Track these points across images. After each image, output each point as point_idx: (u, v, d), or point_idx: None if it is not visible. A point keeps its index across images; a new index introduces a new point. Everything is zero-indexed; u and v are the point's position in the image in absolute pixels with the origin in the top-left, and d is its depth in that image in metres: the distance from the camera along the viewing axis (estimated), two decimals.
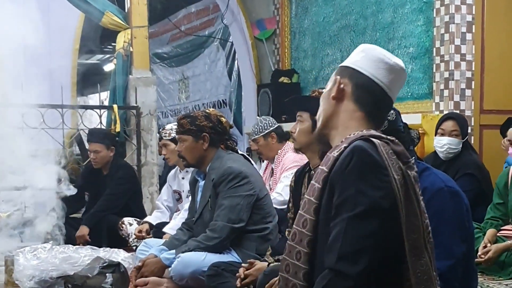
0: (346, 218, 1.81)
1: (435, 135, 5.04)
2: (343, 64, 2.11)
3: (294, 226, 2.00)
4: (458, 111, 5.88)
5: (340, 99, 2.05)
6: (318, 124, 2.13)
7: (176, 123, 5.41)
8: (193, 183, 4.31)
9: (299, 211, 2.00)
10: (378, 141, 1.90)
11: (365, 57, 2.05)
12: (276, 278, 3.03)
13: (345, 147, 1.90)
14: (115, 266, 3.13)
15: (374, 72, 2.02)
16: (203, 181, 4.14)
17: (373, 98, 2.03)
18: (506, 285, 4.17)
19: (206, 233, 3.92)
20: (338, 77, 2.06)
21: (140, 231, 5.37)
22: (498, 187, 4.69)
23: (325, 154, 3.20)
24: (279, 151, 5.54)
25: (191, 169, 5.23)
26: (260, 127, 5.58)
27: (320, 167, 1.98)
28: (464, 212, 2.47)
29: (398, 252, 1.85)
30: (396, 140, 1.96)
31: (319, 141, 2.20)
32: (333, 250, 1.81)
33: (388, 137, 1.95)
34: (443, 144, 4.92)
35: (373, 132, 1.96)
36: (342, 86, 2.04)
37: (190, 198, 4.99)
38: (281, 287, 1.98)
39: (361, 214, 1.80)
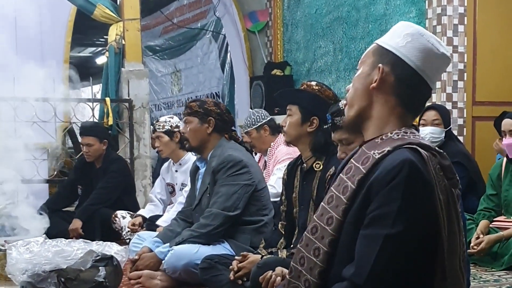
0: (383, 236, 1.70)
1: (418, 126, 5.05)
2: (384, 45, 1.92)
3: (315, 218, 1.90)
4: (450, 103, 5.90)
5: (379, 89, 1.89)
6: (350, 112, 1.96)
7: (169, 116, 5.47)
8: (194, 171, 4.33)
9: (322, 204, 1.90)
10: (426, 153, 1.79)
11: (411, 45, 1.87)
12: (269, 271, 3.05)
13: (389, 151, 1.79)
14: (108, 260, 3.12)
15: (420, 64, 1.86)
16: (204, 168, 4.16)
17: (415, 92, 1.89)
18: (499, 276, 4.19)
19: (200, 221, 3.94)
20: (381, 65, 1.87)
21: (133, 224, 5.38)
22: (491, 178, 4.71)
23: (315, 147, 3.24)
24: (272, 144, 5.54)
25: (185, 161, 5.27)
26: (253, 120, 5.58)
27: (354, 162, 1.87)
28: None
29: (431, 273, 1.77)
30: (444, 153, 1.87)
31: (350, 129, 2.10)
32: (363, 265, 1.72)
33: (436, 148, 1.85)
34: (425, 133, 4.92)
35: (420, 140, 1.85)
36: (384, 75, 1.87)
37: (183, 191, 5.01)
38: (293, 278, 1.91)
39: (400, 234, 1.70)
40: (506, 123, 4.55)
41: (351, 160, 1.91)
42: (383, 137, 1.87)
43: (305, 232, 1.93)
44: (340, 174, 1.91)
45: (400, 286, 1.73)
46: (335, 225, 1.83)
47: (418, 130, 2.14)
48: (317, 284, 1.86)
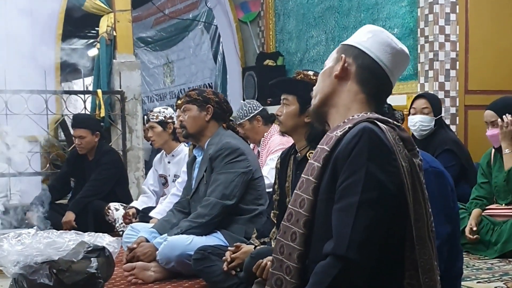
0: (356, 203, 1.76)
1: (408, 115, 5.07)
2: (348, 42, 2.06)
3: (290, 206, 1.96)
4: (443, 92, 5.91)
5: (343, 78, 2.00)
6: (315, 101, 2.08)
7: (164, 107, 5.46)
8: (191, 162, 4.34)
9: (295, 191, 1.96)
10: (385, 126, 1.86)
11: (372, 39, 2.01)
12: (262, 260, 3.05)
13: (350, 128, 1.86)
14: (100, 251, 3.11)
15: (380, 55, 1.99)
16: (201, 157, 4.16)
17: (376, 81, 1.99)
18: (492, 264, 4.20)
19: (197, 210, 3.94)
20: (343, 55, 2.01)
21: (127, 214, 5.37)
22: (481, 167, 4.72)
23: (311, 137, 3.23)
24: (265, 134, 5.53)
25: (177, 153, 5.26)
26: (245, 111, 5.56)
27: (319, 146, 1.94)
28: (449, 193, 2.47)
29: (401, 241, 1.83)
30: (402, 126, 1.93)
31: (314, 118, 2.16)
32: (342, 236, 1.76)
33: (395, 122, 1.92)
34: (415, 122, 4.94)
35: (379, 116, 1.93)
36: (346, 65, 2.00)
37: (175, 182, 5.00)
38: (275, 269, 1.94)
39: (372, 200, 1.76)
40: (487, 115, 4.59)
41: (318, 145, 1.97)
42: (345, 120, 1.95)
43: (282, 222, 1.97)
44: (309, 160, 1.98)
45: (379, 253, 1.78)
46: (307, 206, 1.89)
47: (395, 117, 2.20)
48: (297, 269, 1.89)
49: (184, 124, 4.14)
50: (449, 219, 2.43)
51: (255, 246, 3.41)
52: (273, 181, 3.65)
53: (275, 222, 3.45)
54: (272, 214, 3.48)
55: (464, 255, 4.04)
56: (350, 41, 2.06)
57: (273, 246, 3.28)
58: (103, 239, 3.22)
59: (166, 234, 3.98)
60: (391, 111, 2.66)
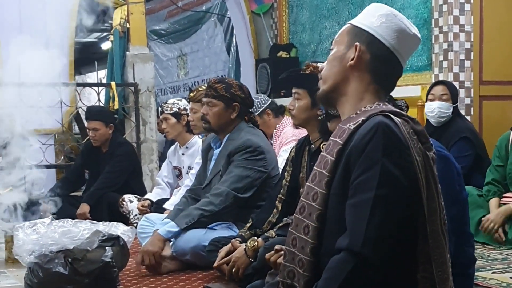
0: (370, 199, 1.75)
1: (426, 102, 5.02)
2: (359, 25, 2.00)
3: (302, 199, 1.96)
4: (457, 83, 5.86)
5: (356, 66, 1.97)
6: (324, 86, 2.04)
7: (178, 98, 5.43)
8: (206, 150, 4.30)
9: (308, 183, 1.96)
10: (399, 119, 1.85)
11: (386, 25, 1.96)
12: (272, 252, 3.05)
13: (363, 121, 1.85)
14: (114, 239, 3.13)
15: (394, 43, 1.95)
16: (219, 149, 4.12)
17: (389, 69, 1.98)
18: (507, 254, 4.18)
19: (208, 198, 3.90)
20: (358, 44, 1.96)
21: (142, 206, 5.38)
22: (498, 149, 4.67)
23: (324, 129, 3.22)
24: (277, 126, 5.52)
25: (191, 145, 5.25)
26: (254, 107, 5.54)
27: (332, 138, 1.93)
28: (454, 176, 2.46)
29: (414, 235, 1.83)
30: (416, 119, 1.92)
31: (323, 103, 2.15)
32: (357, 233, 1.76)
33: (408, 115, 1.91)
34: (433, 108, 4.89)
35: (392, 108, 1.91)
36: (360, 53, 1.96)
37: (189, 174, 5.00)
38: (288, 261, 1.94)
39: (387, 196, 1.76)
40: None
41: (330, 138, 1.96)
42: (358, 112, 1.93)
43: (294, 214, 1.97)
44: (321, 153, 1.97)
45: (393, 248, 1.78)
46: (320, 200, 1.89)
47: (398, 106, 2.20)
48: (310, 262, 1.88)
49: (208, 118, 4.04)
50: (454, 202, 2.43)
51: (268, 238, 3.37)
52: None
53: (280, 207, 3.43)
54: (278, 199, 3.46)
55: (479, 246, 4.04)
56: (361, 22, 2.00)
57: (267, 235, 3.29)
58: (118, 228, 3.24)
59: (173, 223, 3.90)
60: (392, 101, 2.65)
